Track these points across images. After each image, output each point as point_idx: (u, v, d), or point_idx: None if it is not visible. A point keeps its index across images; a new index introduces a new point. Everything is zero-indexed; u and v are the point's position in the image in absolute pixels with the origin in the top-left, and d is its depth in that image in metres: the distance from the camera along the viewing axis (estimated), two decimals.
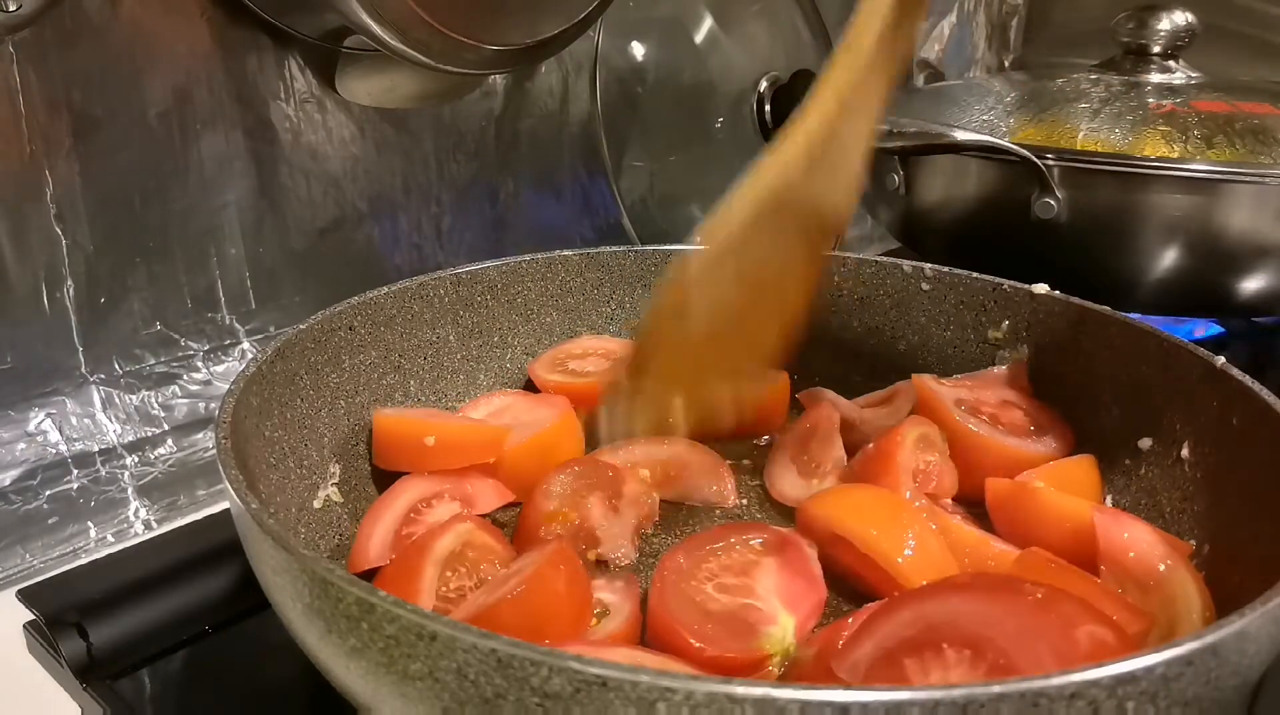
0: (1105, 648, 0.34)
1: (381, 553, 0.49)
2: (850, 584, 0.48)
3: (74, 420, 0.60)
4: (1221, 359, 0.50)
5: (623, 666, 0.28)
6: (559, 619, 0.41)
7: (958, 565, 0.47)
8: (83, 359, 0.60)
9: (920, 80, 1.16)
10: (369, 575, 0.47)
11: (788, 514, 0.54)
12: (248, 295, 0.67)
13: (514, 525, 0.53)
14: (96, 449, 0.61)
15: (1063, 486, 0.51)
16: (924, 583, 0.44)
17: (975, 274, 0.63)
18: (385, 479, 0.55)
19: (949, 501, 0.53)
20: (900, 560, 0.45)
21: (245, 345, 0.68)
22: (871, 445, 0.54)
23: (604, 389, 0.49)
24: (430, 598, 0.44)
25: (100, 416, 0.61)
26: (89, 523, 0.60)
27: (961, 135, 0.69)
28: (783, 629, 0.43)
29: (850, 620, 0.41)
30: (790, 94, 0.87)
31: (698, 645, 0.41)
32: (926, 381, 0.57)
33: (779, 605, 0.44)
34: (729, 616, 0.43)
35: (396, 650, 0.31)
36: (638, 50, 0.84)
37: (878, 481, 0.51)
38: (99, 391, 0.61)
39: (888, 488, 0.51)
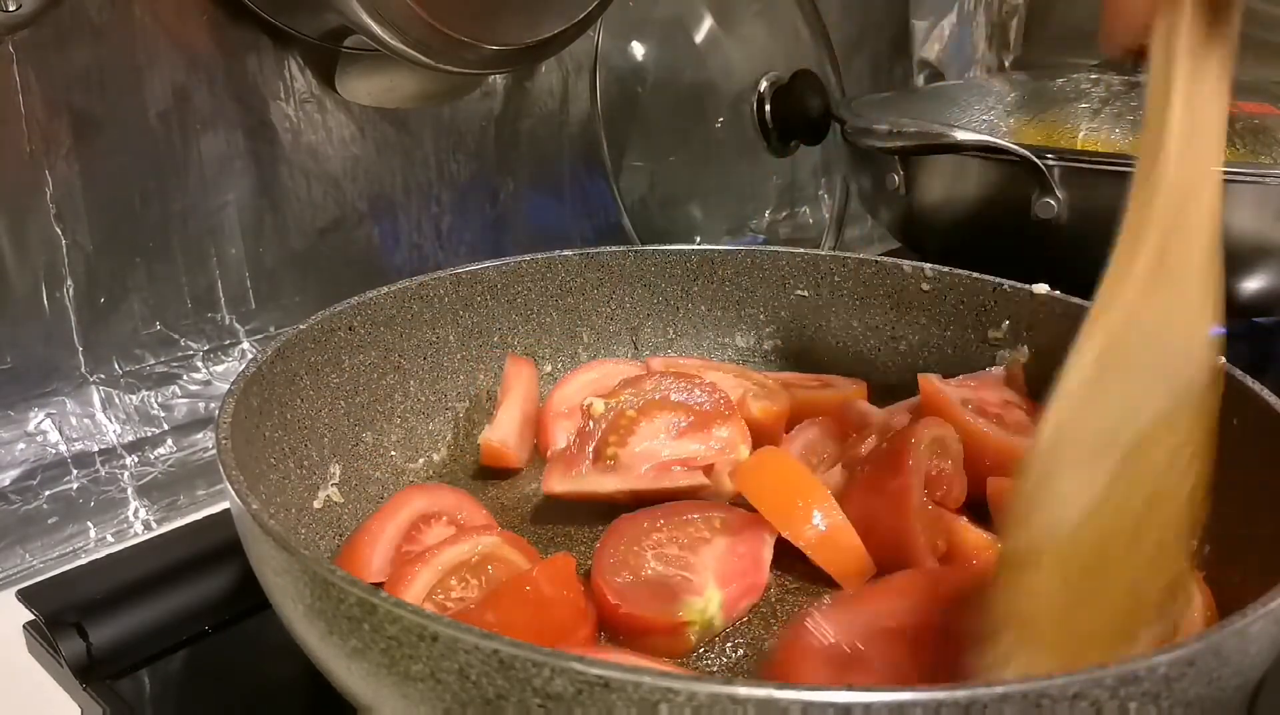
0: None
1: (382, 568, 0.48)
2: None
3: (74, 420, 0.60)
4: (1221, 359, 0.50)
5: (625, 667, 0.28)
6: (538, 627, 0.40)
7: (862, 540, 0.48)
8: (82, 359, 0.60)
9: (920, 80, 1.16)
10: None
11: None
12: (248, 295, 0.67)
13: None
14: (96, 449, 0.61)
15: None
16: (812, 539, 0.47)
17: (975, 274, 0.63)
18: (385, 481, 0.56)
19: None
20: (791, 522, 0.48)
21: (245, 345, 0.68)
22: (884, 443, 0.52)
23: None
24: (417, 600, 0.43)
25: (100, 416, 0.61)
26: (89, 523, 0.60)
27: (961, 135, 0.69)
28: (706, 601, 0.44)
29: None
30: (790, 94, 0.87)
31: (614, 601, 0.43)
32: (934, 381, 0.56)
33: (711, 580, 0.45)
34: (657, 582, 0.45)
35: (398, 651, 0.31)
36: (638, 50, 0.84)
37: (886, 482, 0.50)
38: (99, 391, 0.61)
39: (896, 490, 0.49)
